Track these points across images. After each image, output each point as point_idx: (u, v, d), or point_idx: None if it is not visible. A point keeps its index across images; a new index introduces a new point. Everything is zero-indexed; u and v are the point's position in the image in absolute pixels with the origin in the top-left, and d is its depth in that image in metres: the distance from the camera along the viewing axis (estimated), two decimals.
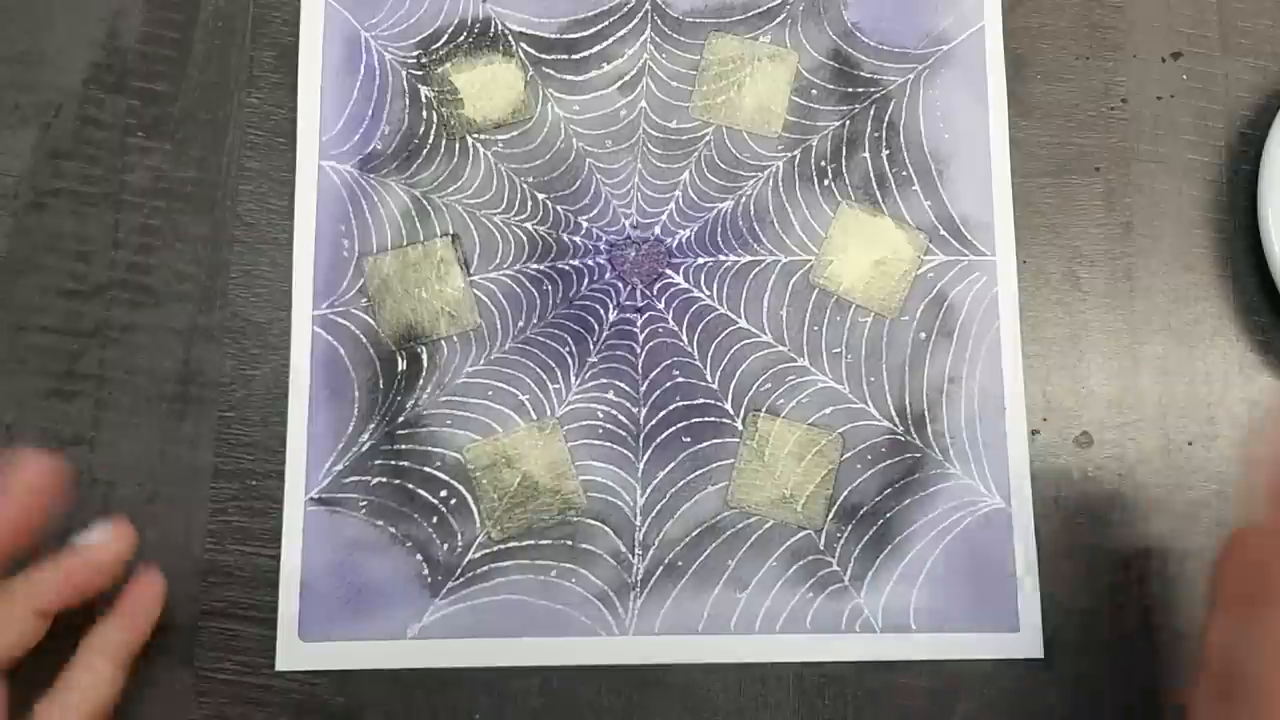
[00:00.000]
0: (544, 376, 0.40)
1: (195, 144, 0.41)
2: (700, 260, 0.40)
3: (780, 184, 0.41)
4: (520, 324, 0.40)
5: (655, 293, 0.40)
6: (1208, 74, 0.42)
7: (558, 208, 0.40)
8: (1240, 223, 0.41)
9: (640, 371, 0.40)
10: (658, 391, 0.40)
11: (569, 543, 0.39)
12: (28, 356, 0.39)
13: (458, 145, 0.41)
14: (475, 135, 0.41)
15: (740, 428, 0.39)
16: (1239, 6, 0.42)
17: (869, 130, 0.41)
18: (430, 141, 0.41)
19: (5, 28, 0.41)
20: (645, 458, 0.39)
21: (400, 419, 0.39)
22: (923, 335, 0.40)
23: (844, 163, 0.41)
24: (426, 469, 0.39)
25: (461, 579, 0.38)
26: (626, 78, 0.41)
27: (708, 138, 0.41)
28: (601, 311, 0.40)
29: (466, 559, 0.38)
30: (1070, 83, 0.42)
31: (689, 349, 0.40)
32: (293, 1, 0.41)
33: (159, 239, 0.40)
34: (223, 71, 0.41)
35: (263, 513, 0.38)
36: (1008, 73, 0.42)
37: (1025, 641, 0.38)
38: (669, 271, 0.40)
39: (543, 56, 0.41)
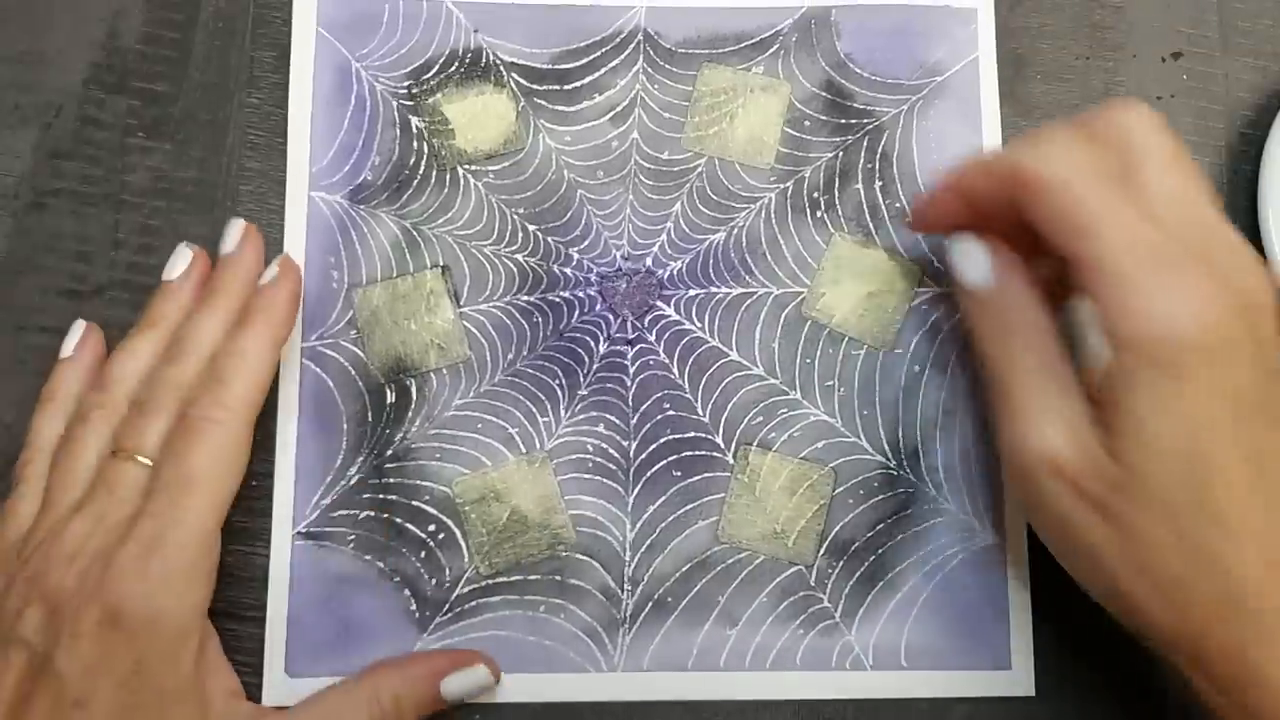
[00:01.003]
0: (534, 410, 0.39)
1: (195, 144, 0.41)
2: (692, 292, 0.40)
3: (772, 215, 0.41)
4: (510, 356, 0.40)
5: (646, 325, 0.40)
6: (1208, 74, 0.42)
7: (548, 239, 0.40)
8: (1240, 223, 0.41)
9: (631, 405, 0.39)
10: (648, 425, 0.39)
11: (558, 578, 0.38)
12: (28, 356, 0.39)
13: (448, 176, 0.40)
14: (466, 166, 0.41)
15: (731, 461, 0.39)
16: (1239, 6, 0.42)
17: (862, 161, 0.41)
18: (421, 172, 0.40)
19: (5, 28, 0.41)
20: (635, 492, 0.39)
21: (389, 452, 0.39)
22: (916, 368, 0.40)
23: (837, 194, 0.41)
24: (415, 503, 0.39)
25: (449, 614, 0.38)
26: (618, 108, 0.41)
27: (700, 169, 0.41)
28: (592, 344, 0.40)
29: (454, 594, 0.38)
30: (1070, 83, 0.42)
31: (680, 382, 0.40)
32: (293, 0, 0.41)
33: (159, 239, 0.40)
34: (223, 72, 0.41)
35: (263, 513, 0.38)
36: (1008, 72, 0.41)
37: (1017, 680, 0.38)
38: (660, 303, 0.40)
39: (534, 87, 0.41)
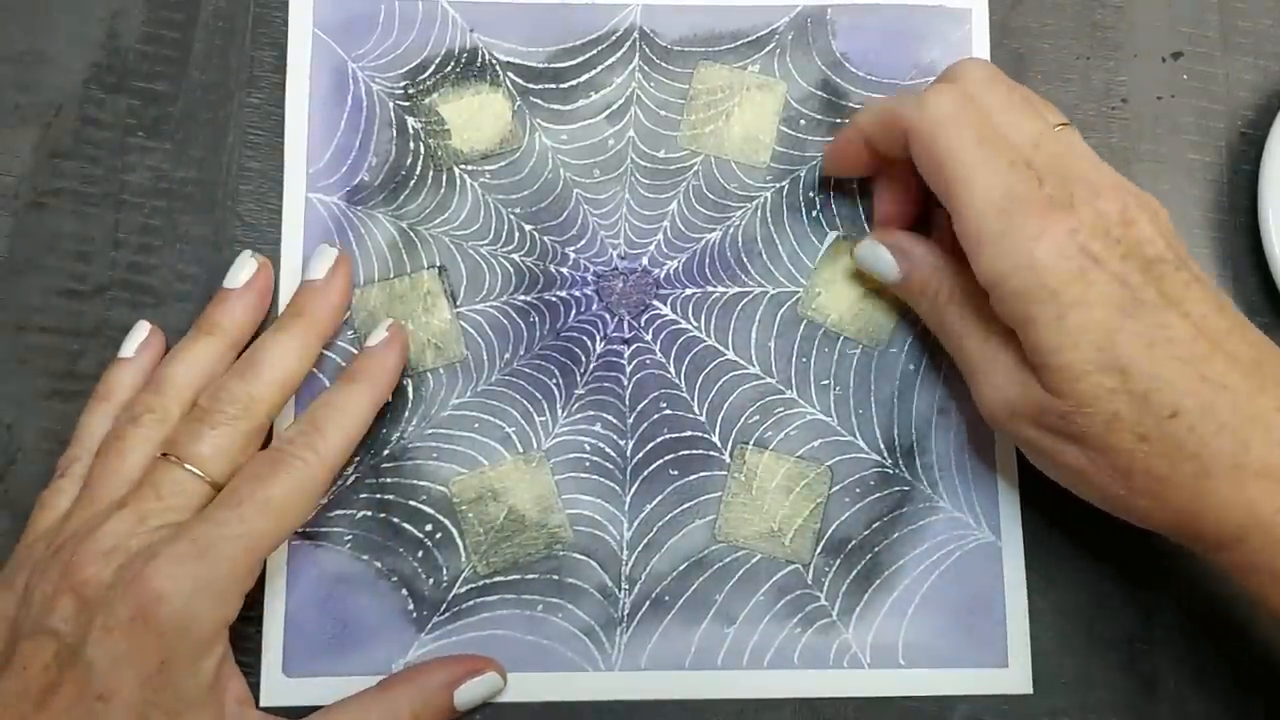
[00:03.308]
0: (530, 409, 0.39)
1: (195, 144, 0.41)
2: (688, 291, 0.40)
3: (768, 215, 0.41)
4: (507, 356, 0.40)
5: (643, 324, 0.40)
6: (1208, 74, 0.42)
7: (545, 239, 0.40)
8: (1240, 223, 0.41)
9: (627, 404, 0.39)
10: (645, 424, 0.39)
11: (555, 577, 0.38)
12: (28, 356, 0.39)
13: (445, 176, 0.40)
14: (462, 166, 0.41)
15: (728, 460, 0.39)
16: (1239, 6, 0.42)
17: None
18: (417, 173, 0.40)
19: (5, 28, 0.41)
20: (632, 491, 0.39)
21: (385, 452, 0.39)
22: (911, 367, 0.40)
23: (832, 194, 0.41)
24: (412, 503, 0.39)
25: (447, 614, 0.38)
26: (614, 106, 0.41)
27: (696, 167, 0.41)
28: (589, 343, 0.40)
29: (452, 594, 0.38)
30: (1070, 83, 0.42)
31: (676, 381, 0.40)
32: (289, 1, 0.41)
33: (159, 239, 0.40)
34: (223, 71, 0.41)
35: None
36: (1008, 72, 0.41)
37: (1014, 677, 0.38)
38: (656, 303, 0.40)
39: (530, 85, 0.41)
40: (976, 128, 0.33)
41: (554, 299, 0.40)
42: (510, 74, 0.41)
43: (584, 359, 0.40)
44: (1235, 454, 0.31)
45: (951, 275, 0.36)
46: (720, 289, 0.40)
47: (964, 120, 0.33)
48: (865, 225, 0.41)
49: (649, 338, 0.40)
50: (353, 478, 0.39)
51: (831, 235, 0.40)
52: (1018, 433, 0.34)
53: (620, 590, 0.38)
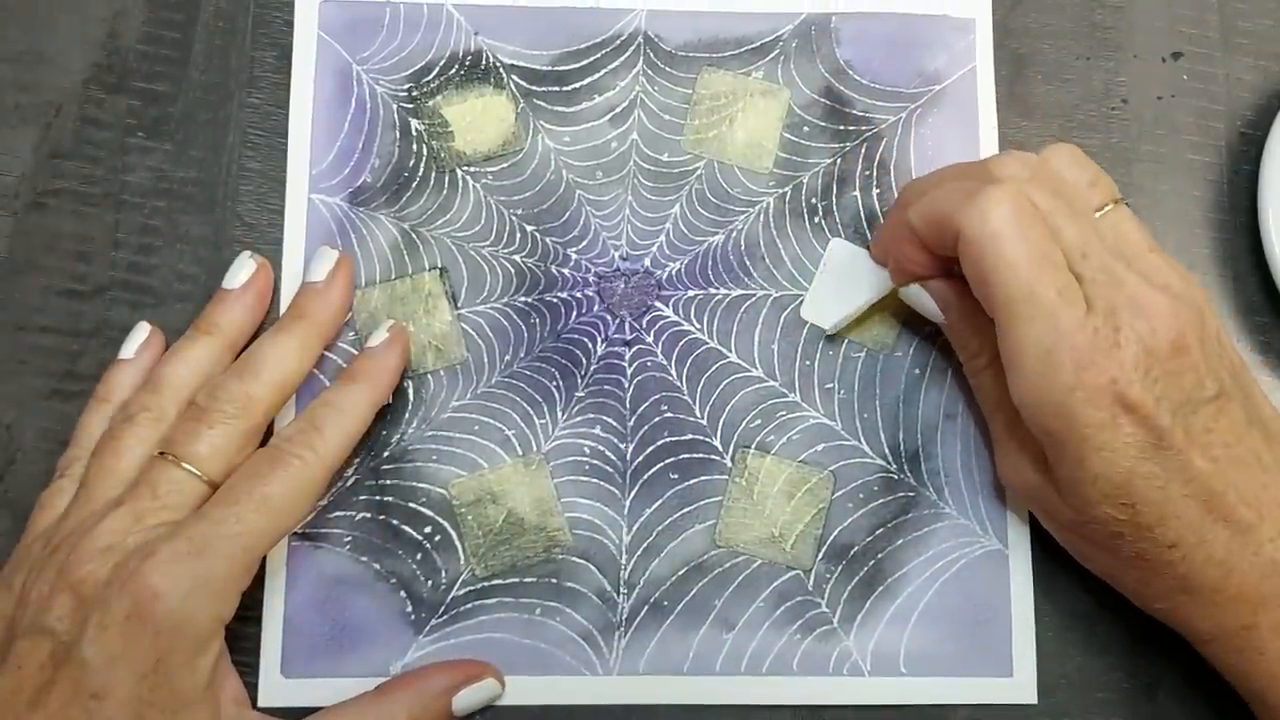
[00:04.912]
0: (530, 411, 0.39)
1: (195, 144, 0.41)
2: (690, 293, 0.40)
3: (771, 220, 0.41)
4: (508, 358, 0.39)
5: (644, 326, 0.40)
6: (1208, 74, 0.42)
7: (546, 240, 0.40)
8: (1240, 223, 0.41)
9: (628, 406, 0.39)
10: (645, 427, 0.39)
11: (554, 580, 0.38)
12: (28, 357, 0.39)
13: (447, 178, 0.40)
14: (465, 168, 0.41)
15: (729, 465, 0.39)
16: (1240, 6, 0.42)
17: (860, 168, 0.41)
18: (420, 174, 0.40)
19: (5, 28, 0.41)
20: (632, 495, 0.39)
21: (385, 454, 0.39)
22: (916, 371, 0.40)
23: (835, 200, 0.41)
24: (411, 505, 0.38)
25: (445, 616, 0.38)
26: (618, 110, 0.41)
27: (699, 171, 0.41)
28: (590, 345, 0.40)
29: (450, 596, 0.38)
30: (1070, 83, 0.42)
31: (678, 384, 0.39)
32: (294, 3, 0.41)
33: (159, 239, 0.40)
34: (223, 71, 0.41)
35: None
36: (1008, 73, 0.42)
37: (1019, 686, 0.37)
38: (658, 304, 0.40)
39: (534, 88, 0.41)
40: (1032, 244, 0.31)
41: (555, 300, 0.40)
42: (514, 77, 0.41)
43: (585, 361, 0.39)
44: (1217, 581, 0.32)
45: (992, 345, 0.34)
46: (723, 291, 0.40)
47: (1020, 234, 0.31)
48: (866, 232, 0.40)
49: (650, 340, 0.40)
50: (352, 479, 0.38)
51: (834, 241, 0.40)
52: (1029, 507, 0.37)
53: (619, 594, 0.38)
